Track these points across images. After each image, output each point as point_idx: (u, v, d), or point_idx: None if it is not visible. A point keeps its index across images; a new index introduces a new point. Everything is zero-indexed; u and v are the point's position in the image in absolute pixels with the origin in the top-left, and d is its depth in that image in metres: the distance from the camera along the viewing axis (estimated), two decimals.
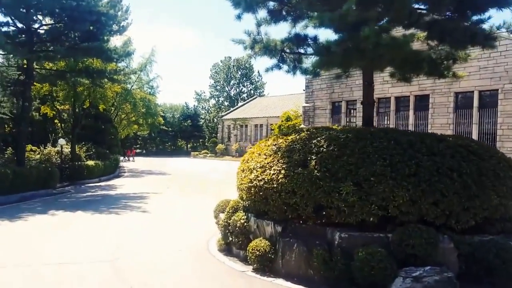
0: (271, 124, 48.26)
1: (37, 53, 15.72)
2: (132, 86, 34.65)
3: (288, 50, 7.92)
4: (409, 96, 23.06)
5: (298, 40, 7.92)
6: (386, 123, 24.17)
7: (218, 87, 78.69)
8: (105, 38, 17.61)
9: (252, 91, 76.77)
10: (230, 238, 7.29)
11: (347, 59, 6.79)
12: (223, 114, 62.24)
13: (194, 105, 76.49)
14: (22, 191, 14.58)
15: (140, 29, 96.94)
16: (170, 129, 63.16)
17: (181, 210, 12.54)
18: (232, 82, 78.11)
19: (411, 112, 23.04)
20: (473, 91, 21.01)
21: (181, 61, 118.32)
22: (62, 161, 22.34)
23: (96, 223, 10.31)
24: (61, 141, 22.22)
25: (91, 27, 16.81)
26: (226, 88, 78.33)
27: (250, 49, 7.86)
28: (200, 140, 68.58)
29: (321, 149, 6.38)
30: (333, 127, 7.87)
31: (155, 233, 9.24)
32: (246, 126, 54.13)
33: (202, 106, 79.57)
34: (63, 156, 22.81)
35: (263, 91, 76.57)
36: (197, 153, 57.61)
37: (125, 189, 18.59)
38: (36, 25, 16.55)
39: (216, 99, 79.33)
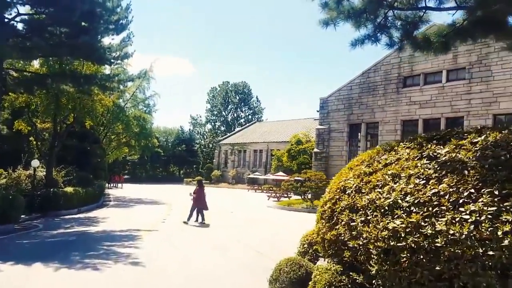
0: (272, 149, 45.07)
1: (10, 47, 12.30)
2: (126, 104, 31.26)
3: (400, 6, 4.64)
4: (439, 118, 20.00)
5: None
6: None
7: (215, 112, 75.85)
8: (99, 37, 14.39)
9: (250, 116, 74.01)
10: None
11: None
12: (220, 139, 58.96)
13: (189, 129, 73.21)
14: None
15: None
16: (162, 153, 59.31)
17: (188, 257, 8.86)
18: (229, 107, 75.41)
19: None
20: None
21: (176, 89, 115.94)
22: (33, 187, 18.47)
23: None
24: (34, 163, 18.39)
25: (82, 22, 13.57)
26: (223, 113, 75.49)
27: (332, 10, 4.60)
28: (194, 166, 64.72)
29: None
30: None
31: None
32: (245, 151, 50.79)
33: (198, 131, 76.36)
34: (36, 181, 18.96)
35: (261, 117, 73.85)
36: (190, 179, 53.64)
37: (110, 224, 14.78)
38: (11, 14, 13.20)
39: (213, 124, 76.34)
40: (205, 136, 75.40)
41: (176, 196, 28.24)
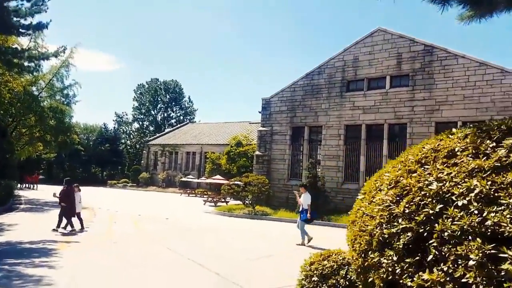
0: (206, 152, 43.29)
1: None
2: (40, 92, 27.07)
3: None
4: (383, 124, 20.24)
5: None
6: (355, 153, 20.96)
7: (143, 110, 71.39)
8: None
9: (182, 117, 71.04)
10: None
11: None
12: (149, 139, 55.33)
13: (114, 127, 67.69)
14: None
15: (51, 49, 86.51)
16: (83, 152, 53.79)
17: (126, 282, 6.97)
18: (159, 105, 71.56)
19: (385, 142, 20.09)
20: (456, 122, 18.62)
21: (98, 85, 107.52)
22: None
23: None
24: None
25: None
26: (152, 112, 71.42)
27: None
28: (119, 167, 59.96)
29: None
30: None
31: None
32: (177, 153, 48.17)
33: (123, 130, 71.16)
34: None
35: (193, 118, 71.31)
36: (115, 181, 49.46)
37: (18, 233, 11.95)
38: None
39: (140, 123, 71.80)
40: (131, 136, 70.56)
41: (99, 200, 25.08)
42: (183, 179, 40.12)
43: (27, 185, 37.13)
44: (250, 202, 19.95)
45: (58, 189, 14.29)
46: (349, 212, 4.62)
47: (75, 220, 13.04)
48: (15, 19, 12.34)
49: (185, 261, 8.55)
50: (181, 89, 72.97)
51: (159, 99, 71.14)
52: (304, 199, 11.99)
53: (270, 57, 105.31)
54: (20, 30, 12.62)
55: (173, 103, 71.86)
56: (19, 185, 29.83)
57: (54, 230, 12.44)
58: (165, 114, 71.91)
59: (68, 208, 12.77)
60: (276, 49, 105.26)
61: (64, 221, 12.79)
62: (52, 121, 27.25)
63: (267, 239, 12.44)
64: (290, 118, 23.60)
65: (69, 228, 12.71)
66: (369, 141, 20.61)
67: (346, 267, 4.64)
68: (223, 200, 25.27)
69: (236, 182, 21.53)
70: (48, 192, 30.21)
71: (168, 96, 71.50)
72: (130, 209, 20.95)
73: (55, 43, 62.13)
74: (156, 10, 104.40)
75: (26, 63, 13.83)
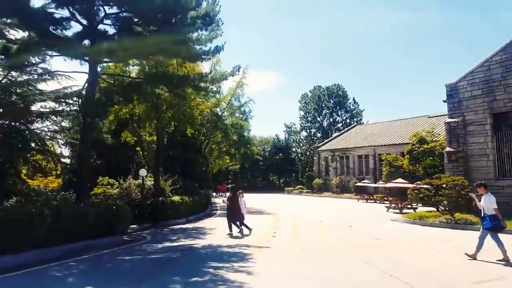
0: (380, 154, 40.30)
1: (98, 47, 11.55)
2: (223, 112, 30.62)
3: None
4: None
5: None
6: None
7: (309, 118, 72.83)
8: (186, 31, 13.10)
9: (348, 120, 69.26)
10: None
11: None
12: (318, 145, 55.76)
13: (285, 138, 71.60)
14: (71, 240, 9.88)
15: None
16: (261, 162, 58.63)
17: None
18: (324, 112, 71.73)
19: None
20: None
21: (266, 102, 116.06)
22: (143, 196, 18.15)
23: None
24: (142, 172, 18.05)
25: (167, 17, 12.39)
26: (318, 119, 72.08)
27: None
28: (293, 174, 62.67)
29: None
30: None
31: None
32: (348, 157, 46.75)
33: (293, 139, 74.22)
34: (145, 191, 18.66)
35: (361, 119, 68.49)
36: (291, 188, 51.69)
37: (217, 237, 13.12)
38: (99, 16, 12.56)
39: (308, 131, 73.40)
40: (301, 144, 72.88)
41: (280, 206, 26.16)
42: (358, 184, 38.40)
43: (220, 193, 42.75)
44: (446, 208, 16.91)
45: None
46: None
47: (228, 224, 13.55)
48: (197, 47, 13.83)
49: (390, 280, 7.22)
50: (344, 92, 71.51)
51: (323, 105, 71.37)
52: (486, 202, 9.08)
53: (433, 44, 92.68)
54: (202, 56, 14.08)
55: (338, 107, 70.89)
56: (214, 194, 34.27)
57: (228, 234, 13.28)
58: (331, 119, 71.56)
59: (233, 213, 13.59)
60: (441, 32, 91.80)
61: (241, 225, 13.58)
62: (234, 136, 30.40)
63: (483, 255, 9.85)
64: (487, 103, 19.21)
65: (236, 230, 13.43)
66: None
67: None
68: (409, 206, 22.54)
69: (424, 186, 18.73)
70: None
71: (332, 101, 71.05)
72: (309, 215, 20.84)
73: (225, 63, 70.61)
74: (302, 18, 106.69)
75: (209, 85, 15.44)
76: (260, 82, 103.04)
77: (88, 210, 10.70)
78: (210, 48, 13.62)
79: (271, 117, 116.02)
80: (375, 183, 36.70)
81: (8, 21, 11.45)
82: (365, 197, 33.86)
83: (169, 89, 14.90)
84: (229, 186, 15.73)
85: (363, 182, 37.33)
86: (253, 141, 43.97)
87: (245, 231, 13.63)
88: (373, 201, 32.30)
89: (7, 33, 12.04)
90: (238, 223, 13.65)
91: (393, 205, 23.83)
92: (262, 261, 8.86)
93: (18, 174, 13.82)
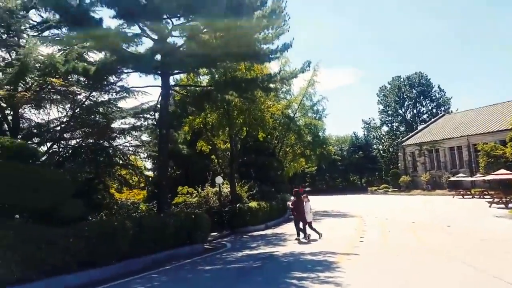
0: (475, 144, 35.78)
1: (168, 59, 11.67)
2: (295, 114, 29.78)
3: None
4: None
5: None
6: None
7: (390, 112, 68.05)
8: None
9: (434, 110, 63.36)
10: None
11: None
12: (402, 140, 51.80)
13: (364, 135, 67.89)
14: (153, 251, 9.95)
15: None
16: (339, 163, 56.34)
17: None
18: (406, 103, 66.49)
19: None
20: None
21: (342, 97, 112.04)
22: (221, 203, 18.22)
23: None
24: (218, 179, 18.15)
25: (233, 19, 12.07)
26: (400, 111, 67.00)
27: None
28: (376, 173, 59.14)
29: None
30: None
31: None
32: (437, 150, 42.61)
33: (373, 135, 70.05)
34: (222, 198, 18.72)
35: (449, 108, 62.31)
36: (375, 188, 48.69)
37: (298, 244, 12.39)
38: (168, 28, 12.72)
39: (389, 125, 68.63)
40: (382, 140, 68.47)
41: (364, 208, 24.45)
42: (452, 178, 34.56)
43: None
44: None
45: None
46: None
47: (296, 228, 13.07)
48: (264, 46, 13.30)
49: None
50: (427, 80, 65.62)
51: (405, 96, 66.24)
52: None
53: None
54: (270, 56, 13.51)
55: (422, 97, 65.23)
56: (291, 198, 33.55)
57: (296, 239, 12.85)
58: (415, 111, 66.16)
59: (299, 217, 13.10)
60: None
61: (309, 230, 13.06)
62: (309, 136, 29.31)
63: None
64: None
65: (301, 235, 12.95)
66: None
67: None
68: None
69: None
70: (313, 202, 32.31)
71: (414, 91, 65.64)
72: (399, 215, 18.98)
73: (294, 63, 69.23)
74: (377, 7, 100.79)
75: (278, 85, 14.84)
76: (332, 80, 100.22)
77: (168, 220, 10.77)
78: (278, 46, 13.04)
79: (347, 114, 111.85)
80: (471, 176, 32.68)
81: (87, 44, 12.16)
82: (461, 192, 30.30)
83: (238, 94, 14.67)
84: (296, 189, 15.05)
85: (457, 176, 33.48)
86: (329, 141, 42.20)
87: (314, 235, 12.97)
88: (471, 197, 28.77)
89: (86, 56, 12.84)
90: (303, 227, 13.11)
91: (496, 199, 20.75)
92: (350, 270, 7.89)
93: (107, 189, 14.66)
